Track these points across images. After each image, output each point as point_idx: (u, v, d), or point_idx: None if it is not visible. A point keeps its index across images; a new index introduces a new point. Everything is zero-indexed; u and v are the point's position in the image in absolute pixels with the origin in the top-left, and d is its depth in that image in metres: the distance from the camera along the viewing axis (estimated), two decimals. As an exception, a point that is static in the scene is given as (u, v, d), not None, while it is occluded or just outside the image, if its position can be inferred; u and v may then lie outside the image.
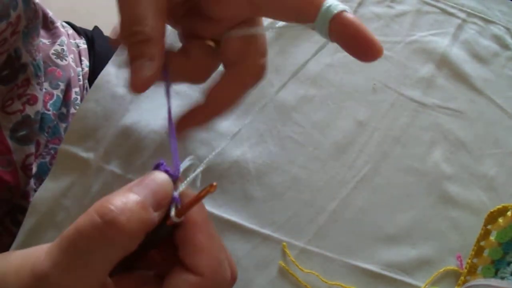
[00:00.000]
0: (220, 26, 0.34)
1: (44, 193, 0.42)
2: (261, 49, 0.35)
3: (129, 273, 0.28)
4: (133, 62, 0.31)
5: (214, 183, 0.27)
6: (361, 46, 0.30)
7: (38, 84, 0.50)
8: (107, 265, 0.25)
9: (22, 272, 0.25)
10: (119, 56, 0.47)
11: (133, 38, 0.31)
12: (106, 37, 0.69)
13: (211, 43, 0.36)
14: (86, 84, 0.61)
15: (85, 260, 0.24)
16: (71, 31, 0.63)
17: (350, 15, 0.30)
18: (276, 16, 0.32)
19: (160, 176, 0.28)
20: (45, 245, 0.26)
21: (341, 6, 0.30)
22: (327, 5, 0.30)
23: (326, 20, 0.30)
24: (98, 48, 0.65)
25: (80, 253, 0.24)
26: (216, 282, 0.27)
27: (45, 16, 0.57)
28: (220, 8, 0.33)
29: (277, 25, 0.36)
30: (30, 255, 0.26)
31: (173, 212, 0.27)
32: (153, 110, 0.45)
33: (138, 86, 0.30)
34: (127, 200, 0.25)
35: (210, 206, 0.43)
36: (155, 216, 0.26)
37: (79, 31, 0.65)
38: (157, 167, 0.29)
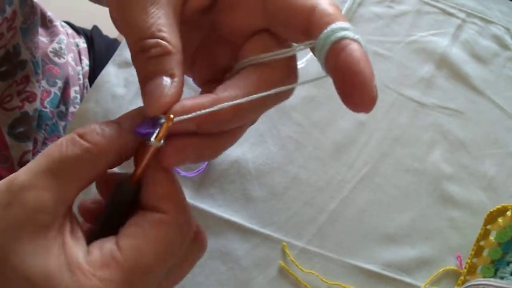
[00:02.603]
0: (234, 42, 0.29)
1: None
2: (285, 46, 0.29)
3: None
4: (149, 81, 0.26)
5: (171, 116, 0.24)
6: (351, 88, 0.24)
7: (37, 81, 0.50)
8: (78, 179, 0.24)
9: None
10: (119, 56, 0.47)
11: (147, 54, 0.26)
12: (106, 36, 0.69)
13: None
14: (87, 83, 0.61)
15: (57, 167, 0.24)
16: (70, 30, 0.63)
17: (356, 46, 0.24)
18: (285, 31, 0.28)
19: (138, 108, 0.27)
20: None
21: (350, 33, 0.24)
22: (335, 27, 0.24)
23: (326, 44, 0.24)
24: (98, 47, 0.65)
25: (53, 160, 0.24)
26: (178, 223, 0.25)
27: (44, 15, 0.57)
28: (234, 16, 0.29)
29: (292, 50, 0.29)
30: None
31: (154, 136, 0.25)
32: (153, 110, 0.45)
33: (157, 108, 0.25)
34: (102, 122, 0.26)
35: (210, 206, 0.43)
36: (128, 137, 0.26)
37: (78, 30, 0.65)
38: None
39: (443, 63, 0.50)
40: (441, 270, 0.43)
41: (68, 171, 0.24)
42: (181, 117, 0.25)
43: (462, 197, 0.45)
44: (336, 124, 0.46)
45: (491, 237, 0.42)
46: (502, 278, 0.40)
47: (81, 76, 0.60)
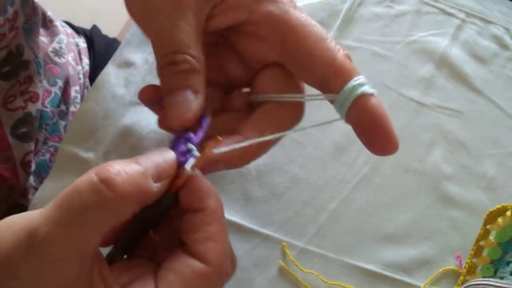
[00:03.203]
0: (247, 63, 0.31)
1: (45, 192, 0.42)
2: (299, 89, 0.32)
3: (126, 260, 0.28)
4: (173, 94, 0.27)
5: (219, 137, 0.26)
6: (379, 139, 0.28)
7: (40, 81, 0.50)
8: (100, 227, 0.24)
9: (15, 227, 0.24)
10: (119, 56, 0.47)
11: (176, 68, 0.27)
12: (105, 36, 0.69)
13: (247, 89, 0.32)
14: (87, 83, 0.61)
15: (79, 217, 0.23)
16: (70, 30, 0.63)
17: (374, 100, 0.27)
18: (300, 73, 0.30)
19: (167, 153, 0.26)
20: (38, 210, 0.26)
21: (367, 88, 0.27)
22: (355, 83, 0.27)
23: (349, 100, 0.27)
24: (98, 47, 0.65)
25: (74, 209, 0.23)
26: (219, 274, 0.26)
27: (44, 15, 0.57)
28: (252, 44, 0.30)
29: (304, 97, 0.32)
30: (25, 214, 0.25)
31: (190, 163, 0.26)
32: (153, 110, 0.45)
33: (179, 122, 0.27)
34: (127, 165, 0.24)
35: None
36: (154, 186, 0.25)
37: (78, 30, 0.65)
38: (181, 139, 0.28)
39: (443, 63, 0.50)
40: (441, 270, 0.43)
41: (90, 221, 0.23)
42: (216, 150, 0.27)
43: (462, 197, 0.45)
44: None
45: (491, 237, 0.42)
46: (502, 278, 0.41)
47: (81, 76, 0.60)
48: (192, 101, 0.27)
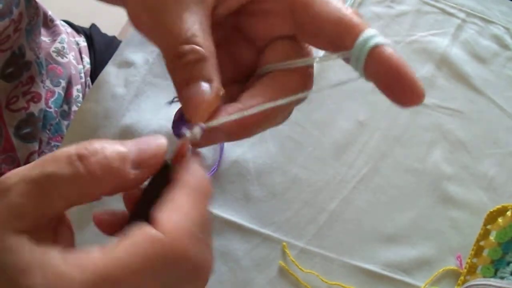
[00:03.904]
0: (259, 45, 0.31)
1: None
2: (307, 54, 0.30)
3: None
4: (187, 87, 0.26)
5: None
6: (401, 88, 0.26)
7: (42, 81, 0.50)
8: (64, 198, 0.24)
9: None
10: (119, 56, 0.47)
11: (184, 59, 0.26)
12: (104, 34, 0.69)
13: None
14: (89, 81, 0.61)
15: (46, 181, 0.23)
16: (69, 29, 0.63)
17: (389, 50, 0.26)
18: (312, 39, 0.29)
19: (158, 139, 0.25)
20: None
21: (381, 39, 0.26)
22: (366, 36, 0.26)
23: (363, 53, 0.26)
24: (98, 45, 0.65)
25: (45, 173, 0.23)
26: (175, 249, 0.23)
27: (45, 14, 0.57)
28: (262, 22, 0.30)
29: (316, 59, 0.31)
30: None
31: (188, 132, 0.26)
32: (153, 110, 0.45)
33: (199, 114, 0.26)
34: (109, 146, 0.24)
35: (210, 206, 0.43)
36: (131, 173, 0.24)
37: (77, 29, 0.65)
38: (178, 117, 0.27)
39: (443, 63, 0.50)
40: (441, 270, 0.43)
41: (56, 189, 0.23)
42: (212, 123, 0.26)
43: (462, 197, 0.45)
44: (336, 124, 0.46)
45: (491, 237, 0.42)
46: (502, 278, 0.40)
47: (82, 75, 0.60)
48: (207, 91, 0.26)
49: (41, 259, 0.23)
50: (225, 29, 0.31)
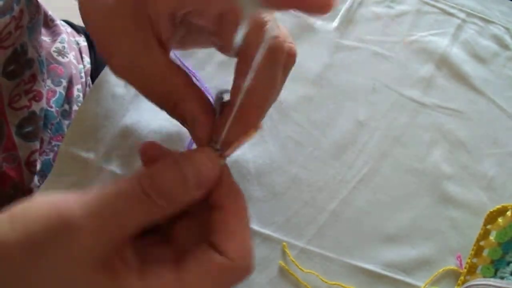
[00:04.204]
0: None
1: (45, 193, 0.42)
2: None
3: (149, 243, 0.29)
4: (182, 124, 0.31)
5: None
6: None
7: (43, 80, 0.50)
8: (134, 228, 0.25)
9: (45, 210, 0.25)
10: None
11: (169, 105, 0.30)
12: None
13: None
14: (89, 81, 0.61)
15: (116, 214, 0.25)
16: (69, 29, 0.63)
17: None
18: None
19: (209, 155, 0.28)
20: (73, 193, 0.27)
21: None
22: None
23: None
24: None
25: (113, 207, 0.25)
26: (240, 270, 0.27)
27: (45, 14, 0.57)
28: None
29: None
30: (55, 197, 0.26)
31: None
32: (153, 110, 0.44)
33: (201, 143, 0.30)
34: (173, 176, 0.26)
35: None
36: (195, 195, 0.27)
37: (78, 29, 0.66)
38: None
39: (443, 63, 0.50)
40: (441, 270, 0.43)
41: (124, 220, 0.25)
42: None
43: (462, 197, 0.45)
44: (336, 124, 0.46)
45: (491, 237, 0.42)
46: (502, 278, 0.40)
47: (83, 74, 0.60)
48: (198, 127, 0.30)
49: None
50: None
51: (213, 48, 0.36)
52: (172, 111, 0.31)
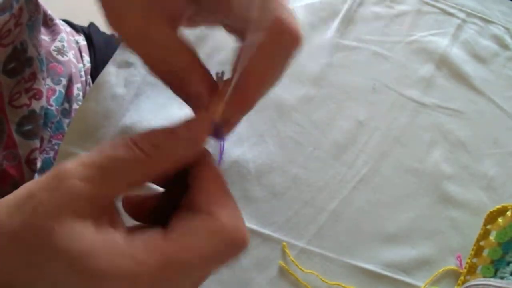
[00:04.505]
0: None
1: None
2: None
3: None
4: (187, 101, 0.30)
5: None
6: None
7: (43, 79, 0.50)
8: (123, 181, 0.25)
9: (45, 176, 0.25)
10: (119, 56, 0.47)
11: (169, 75, 0.30)
12: (103, 33, 0.69)
13: None
14: (89, 80, 0.62)
15: (106, 165, 0.25)
16: (68, 28, 0.63)
17: None
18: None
19: (201, 116, 0.28)
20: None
21: None
22: None
23: None
24: (97, 44, 0.65)
25: (104, 157, 0.25)
26: (234, 239, 0.26)
27: (44, 13, 0.57)
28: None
29: None
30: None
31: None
32: (153, 110, 0.45)
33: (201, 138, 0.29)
34: (163, 131, 0.26)
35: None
36: (186, 150, 0.27)
37: (77, 28, 0.66)
38: None
39: (443, 63, 0.50)
40: (441, 270, 0.43)
41: (115, 171, 0.25)
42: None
43: (462, 197, 0.45)
44: (336, 124, 0.46)
45: (491, 237, 0.42)
46: (502, 278, 0.41)
47: (83, 73, 0.60)
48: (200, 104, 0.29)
49: (105, 242, 0.24)
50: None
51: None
52: (177, 87, 0.31)
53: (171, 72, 0.30)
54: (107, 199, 0.25)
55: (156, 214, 0.29)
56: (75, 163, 0.24)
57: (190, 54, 0.30)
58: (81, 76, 0.60)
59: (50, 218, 0.23)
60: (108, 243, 0.23)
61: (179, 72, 0.30)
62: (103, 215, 0.25)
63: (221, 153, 0.44)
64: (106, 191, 0.25)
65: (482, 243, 0.43)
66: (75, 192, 0.24)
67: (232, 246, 0.25)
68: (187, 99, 0.31)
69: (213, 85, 0.30)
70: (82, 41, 0.64)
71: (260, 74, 0.30)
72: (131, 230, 0.26)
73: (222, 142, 0.44)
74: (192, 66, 0.30)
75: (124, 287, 0.23)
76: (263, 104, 0.46)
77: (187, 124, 0.27)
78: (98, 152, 0.25)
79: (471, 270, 0.42)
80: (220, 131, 0.30)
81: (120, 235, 0.24)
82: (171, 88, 0.31)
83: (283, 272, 0.42)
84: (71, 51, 0.59)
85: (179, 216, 0.26)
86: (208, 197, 0.26)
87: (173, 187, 0.30)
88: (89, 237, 0.23)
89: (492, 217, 0.42)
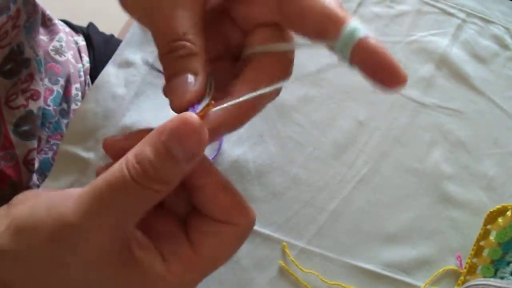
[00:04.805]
0: (246, 29, 0.32)
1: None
2: (288, 40, 0.32)
3: (155, 218, 0.29)
4: (173, 78, 0.28)
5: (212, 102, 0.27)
6: (386, 74, 0.28)
7: (41, 79, 0.50)
8: (137, 216, 0.26)
9: (51, 217, 0.25)
10: (119, 56, 0.47)
11: (174, 53, 0.28)
12: (102, 33, 0.69)
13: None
14: (88, 80, 0.61)
15: (114, 209, 0.25)
16: (67, 29, 0.63)
17: (373, 40, 0.29)
18: (296, 26, 0.31)
19: (190, 125, 0.26)
20: (72, 190, 0.27)
21: (365, 31, 0.29)
22: (351, 27, 0.29)
23: (349, 44, 0.29)
24: (97, 44, 0.65)
25: (109, 203, 0.25)
26: (248, 229, 0.29)
27: (43, 13, 0.57)
28: (249, 8, 0.31)
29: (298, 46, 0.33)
30: (57, 201, 0.26)
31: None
32: (153, 110, 0.45)
33: (180, 104, 0.28)
34: (160, 158, 0.25)
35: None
36: (187, 168, 0.26)
37: (76, 28, 0.65)
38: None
39: (443, 63, 0.50)
40: (441, 270, 0.43)
41: (121, 207, 0.25)
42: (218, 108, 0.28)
43: (462, 197, 0.45)
44: (336, 124, 0.46)
45: (491, 237, 0.42)
46: (502, 278, 0.41)
47: (82, 73, 0.60)
48: (191, 83, 0.28)
49: (150, 278, 0.26)
50: (215, 11, 0.32)
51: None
52: (168, 53, 0.29)
53: (171, 40, 0.29)
54: (123, 237, 0.26)
55: None
56: (80, 213, 0.25)
57: (203, 38, 0.30)
58: (80, 76, 0.60)
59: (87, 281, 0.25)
60: (153, 279, 0.26)
61: (181, 46, 0.29)
62: (130, 244, 0.26)
63: (218, 148, 0.44)
64: (121, 233, 0.25)
65: (482, 243, 0.43)
66: (97, 248, 0.25)
67: (247, 234, 0.29)
68: (174, 72, 0.29)
69: (207, 65, 0.30)
70: (81, 42, 0.64)
71: (260, 103, 0.30)
72: (159, 250, 0.27)
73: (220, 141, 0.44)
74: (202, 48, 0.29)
75: None
76: (263, 104, 0.46)
77: (179, 138, 0.25)
78: (99, 197, 0.25)
79: (471, 270, 0.42)
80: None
81: (159, 266, 0.26)
82: (160, 50, 0.30)
83: (283, 272, 0.42)
84: (69, 51, 0.59)
85: (200, 229, 0.28)
86: (224, 208, 0.28)
87: None
88: (134, 280, 0.26)
89: (492, 217, 0.42)
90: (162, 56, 0.29)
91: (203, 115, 0.27)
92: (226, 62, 0.33)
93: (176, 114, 0.26)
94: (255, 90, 0.28)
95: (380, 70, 0.28)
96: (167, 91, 0.29)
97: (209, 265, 0.28)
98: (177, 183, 0.26)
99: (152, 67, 0.32)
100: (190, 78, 0.28)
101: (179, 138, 0.25)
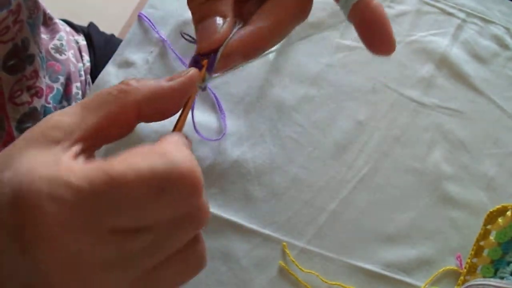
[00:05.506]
0: None
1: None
2: None
3: None
4: (203, 20, 0.30)
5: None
6: (379, 37, 0.29)
7: (44, 77, 0.51)
8: (100, 110, 0.26)
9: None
10: (119, 56, 0.47)
11: None
12: (103, 33, 0.69)
13: None
14: (89, 79, 0.62)
15: (88, 102, 0.26)
16: (68, 28, 0.64)
17: (377, 2, 0.29)
18: None
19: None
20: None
21: None
22: None
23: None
24: (97, 44, 0.65)
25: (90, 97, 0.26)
26: (176, 161, 0.24)
27: (44, 12, 0.57)
28: None
29: None
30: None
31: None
32: (153, 110, 0.45)
33: (210, 44, 0.29)
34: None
35: (210, 206, 0.43)
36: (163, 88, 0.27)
37: (76, 28, 0.66)
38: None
39: (443, 63, 0.50)
40: (441, 270, 0.43)
41: (94, 102, 0.25)
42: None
43: (462, 197, 0.45)
44: (336, 124, 0.46)
45: (491, 237, 0.42)
46: (502, 278, 0.41)
47: (82, 73, 0.60)
48: (220, 25, 0.29)
49: (49, 157, 0.23)
50: None
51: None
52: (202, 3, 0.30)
53: None
54: (82, 128, 0.25)
55: None
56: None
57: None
58: (80, 76, 0.60)
59: (18, 148, 0.24)
60: (51, 159, 0.23)
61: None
62: (72, 146, 0.24)
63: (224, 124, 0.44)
64: (82, 120, 0.25)
65: (482, 243, 0.43)
66: (50, 123, 0.24)
67: (177, 174, 0.23)
68: (201, 18, 0.31)
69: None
70: (82, 41, 0.64)
71: (277, 34, 0.31)
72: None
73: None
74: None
75: (65, 198, 0.22)
76: (263, 104, 0.46)
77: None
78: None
79: (471, 270, 0.42)
80: (213, 63, 0.30)
81: (71, 157, 0.24)
82: None
83: (283, 272, 0.42)
84: (70, 51, 0.59)
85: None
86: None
87: None
88: (41, 158, 0.23)
89: (492, 217, 0.42)
90: (190, 2, 0.31)
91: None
92: (250, 4, 0.34)
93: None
94: (272, 24, 0.30)
95: (374, 32, 0.29)
96: (196, 33, 0.30)
97: (113, 166, 0.24)
98: (147, 92, 0.27)
99: (185, 36, 0.33)
100: (219, 20, 0.30)
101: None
